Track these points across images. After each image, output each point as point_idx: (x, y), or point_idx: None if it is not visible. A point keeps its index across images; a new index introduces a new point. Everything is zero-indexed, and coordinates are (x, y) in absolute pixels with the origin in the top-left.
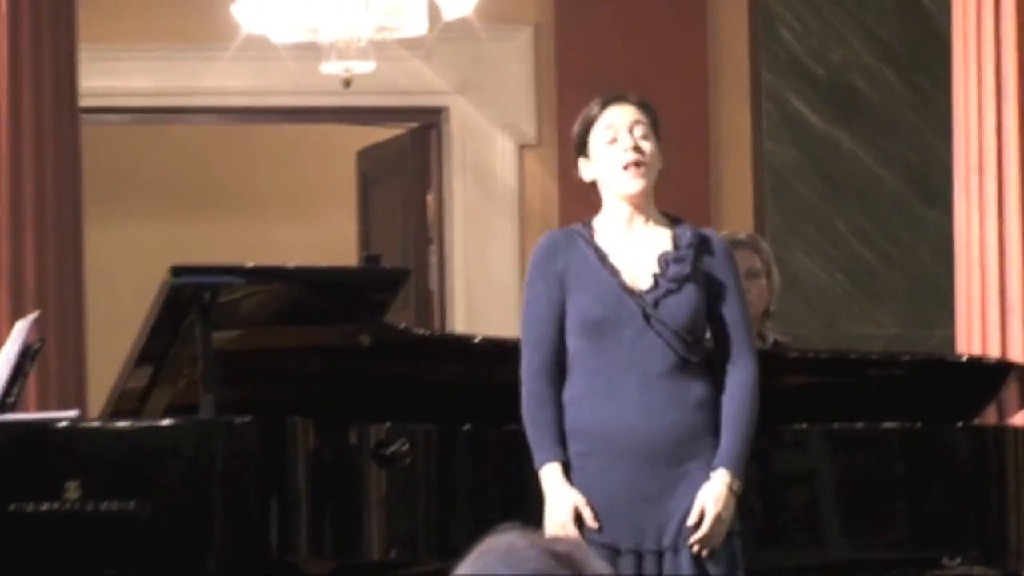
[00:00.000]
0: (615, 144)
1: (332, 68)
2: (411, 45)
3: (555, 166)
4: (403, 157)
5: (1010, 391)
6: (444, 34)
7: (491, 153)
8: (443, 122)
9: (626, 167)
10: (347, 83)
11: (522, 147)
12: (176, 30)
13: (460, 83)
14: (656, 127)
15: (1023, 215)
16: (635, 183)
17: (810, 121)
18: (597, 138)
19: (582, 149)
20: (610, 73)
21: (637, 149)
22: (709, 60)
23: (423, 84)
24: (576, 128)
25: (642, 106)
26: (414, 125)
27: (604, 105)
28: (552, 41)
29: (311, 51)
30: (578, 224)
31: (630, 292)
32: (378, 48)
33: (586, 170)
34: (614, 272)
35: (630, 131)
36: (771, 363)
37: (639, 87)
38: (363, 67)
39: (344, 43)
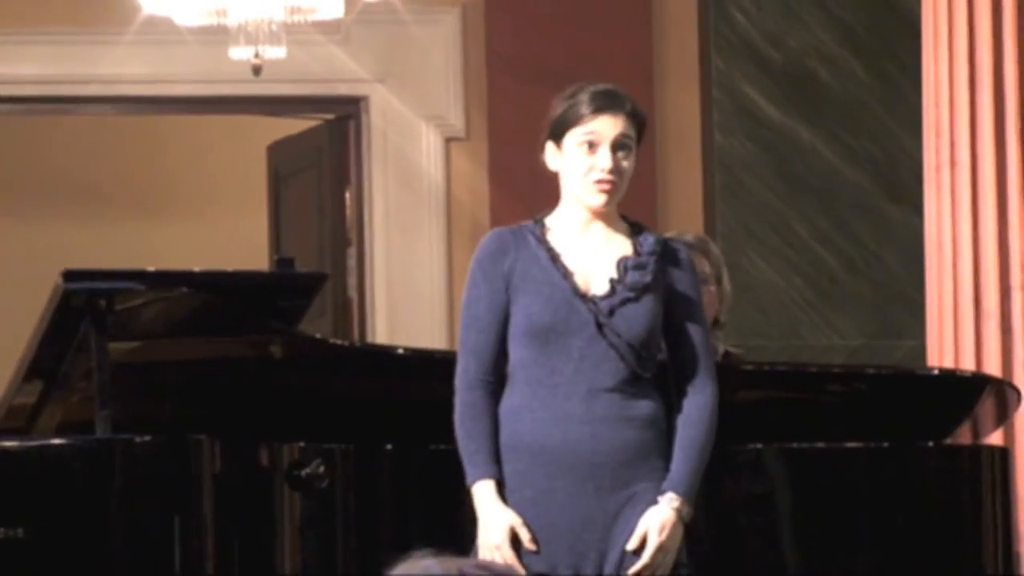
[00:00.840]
0: (593, 156)
1: (241, 54)
2: (327, 28)
3: (485, 161)
4: (318, 151)
5: (986, 407)
6: (363, 16)
7: (415, 147)
8: (362, 113)
9: (597, 184)
10: (257, 70)
11: (449, 140)
12: (69, 11)
13: (381, 70)
14: (641, 138)
15: (999, 213)
16: (599, 199)
17: (765, 112)
18: (577, 139)
19: (555, 137)
20: (545, 59)
21: (614, 171)
22: (654, 45)
23: (340, 71)
24: (556, 113)
25: (633, 116)
26: (330, 116)
27: (596, 110)
28: (482, 24)
29: (218, 35)
30: (529, 221)
31: (583, 297)
32: (291, 32)
33: (552, 159)
34: (566, 274)
35: (613, 149)
36: (723, 377)
37: (577, 74)
38: (274, 52)
39: (254, 26)
